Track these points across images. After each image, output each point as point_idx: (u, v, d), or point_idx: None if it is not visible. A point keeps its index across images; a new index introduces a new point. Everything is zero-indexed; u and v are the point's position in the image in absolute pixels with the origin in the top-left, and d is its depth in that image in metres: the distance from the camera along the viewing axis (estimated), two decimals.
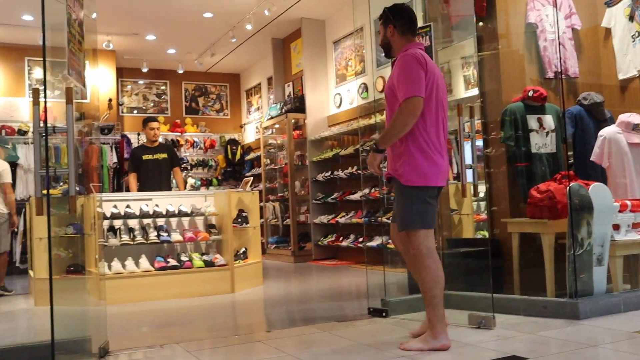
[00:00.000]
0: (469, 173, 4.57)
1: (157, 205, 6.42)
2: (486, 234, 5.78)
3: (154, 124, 7.44)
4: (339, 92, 9.64)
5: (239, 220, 6.77)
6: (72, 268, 6.09)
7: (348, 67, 9.46)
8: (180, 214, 6.44)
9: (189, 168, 12.20)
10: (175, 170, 7.47)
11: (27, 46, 10.23)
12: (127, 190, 8.00)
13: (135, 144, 11.66)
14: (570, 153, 5.33)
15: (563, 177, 4.66)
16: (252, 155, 12.22)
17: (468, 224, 6.16)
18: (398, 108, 3.41)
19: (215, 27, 9.99)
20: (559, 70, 5.18)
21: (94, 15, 4.67)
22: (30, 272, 6.84)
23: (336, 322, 4.32)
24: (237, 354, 3.61)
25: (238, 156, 12.53)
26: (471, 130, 4.31)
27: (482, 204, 6.24)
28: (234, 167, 12.57)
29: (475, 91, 6.46)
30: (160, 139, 7.80)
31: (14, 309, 6.13)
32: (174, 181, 7.84)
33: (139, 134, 11.87)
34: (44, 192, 2.89)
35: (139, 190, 7.13)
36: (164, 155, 7.36)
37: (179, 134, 12.29)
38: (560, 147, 5.20)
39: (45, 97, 3.11)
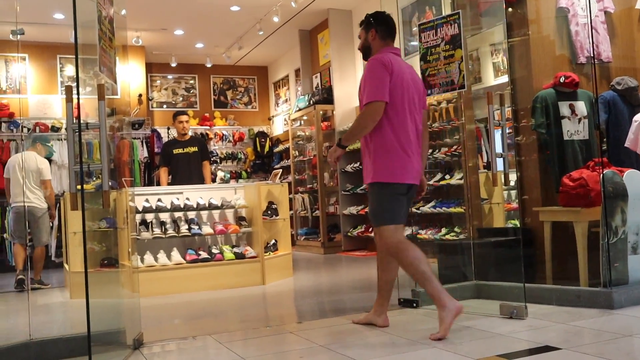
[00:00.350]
0: (499, 162, 4.52)
1: (187, 199, 6.49)
2: (517, 223, 5.72)
3: (183, 117, 7.51)
4: None
5: (269, 212, 6.80)
6: (105, 261, 6.21)
7: None
8: (211, 206, 6.49)
9: (218, 161, 12.29)
10: (204, 164, 7.49)
11: (58, 44, 10.38)
12: (158, 184, 8.09)
13: (165, 139, 11.80)
14: (603, 139, 5.23)
15: (596, 164, 4.58)
16: (280, 147, 12.26)
17: (499, 213, 6.10)
18: (361, 110, 3.68)
19: (243, 20, 10.02)
20: (592, 55, 5.07)
21: (124, 12, 4.71)
22: (66, 266, 6.98)
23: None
24: (268, 344, 3.64)
25: (267, 148, 12.59)
26: (501, 118, 4.26)
27: (513, 192, 6.18)
28: (262, 160, 12.63)
29: (504, 78, 6.38)
30: (191, 133, 7.85)
31: (50, 302, 6.26)
32: None
33: (168, 129, 12.00)
34: (78, 187, 2.94)
35: (170, 184, 7.21)
36: (194, 149, 7.39)
37: (208, 127, 12.38)
38: (593, 134, 5.11)
39: (78, 94, 3.16)
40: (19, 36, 9.00)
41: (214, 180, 9.80)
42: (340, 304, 5.13)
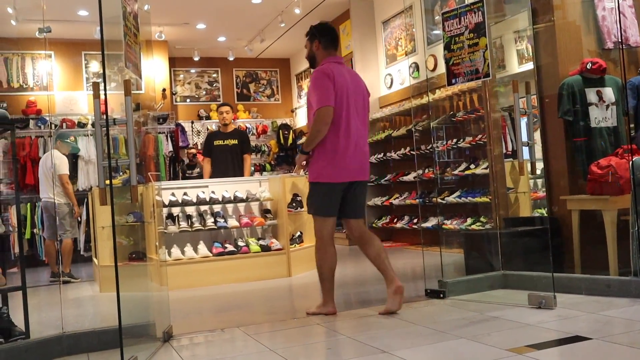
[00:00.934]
0: (525, 150, 4.47)
1: (213, 192, 6.53)
2: (544, 212, 5.66)
3: (223, 108, 7.51)
4: (390, 73, 9.55)
5: (294, 204, 6.82)
6: (133, 255, 6.30)
7: (398, 47, 9.36)
8: (236, 199, 6.53)
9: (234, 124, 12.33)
10: (244, 157, 7.42)
11: (83, 41, 10.48)
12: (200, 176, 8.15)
13: (189, 133, 11.91)
14: (632, 126, 5.15)
15: (625, 151, 4.51)
16: (304, 139, 12.26)
17: (525, 202, 6.05)
18: (313, 117, 4.02)
19: (264, 13, 10.03)
20: (619, 40, 4.99)
21: (147, 7, 4.74)
22: (95, 260, 7.08)
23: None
24: (296, 336, 3.66)
25: (290, 141, 12.61)
26: (527, 106, 4.21)
27: (539, 181, 6.12)
28: (286, 152, 12.66)
29: (528, 66, 6.30)
30: (235, 125, 7.82)
31: (80, 295, 6.36)
32: None
33: (192, 122, 12.10)
34: (107, 182, 2.97)
35: (211, 176, 7.24)
36: (234, 141, 7.36)
37: (232, 120, 12.42)
38: (622, 121, 5.03)
39: (105, 90, 3.20)
40: (45, 34, 9.14)
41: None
42: (365, 295, 5.14)
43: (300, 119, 12.81)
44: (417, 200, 8.53)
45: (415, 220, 8.69)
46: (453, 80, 4.35)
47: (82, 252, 9.65)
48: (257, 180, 7.00)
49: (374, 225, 9.47)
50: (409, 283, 5.58)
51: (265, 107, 12.96)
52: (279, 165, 12.59)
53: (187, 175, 10.61)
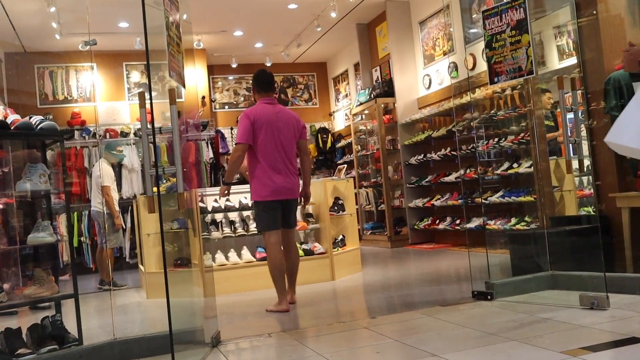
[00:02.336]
0: (571, 148, 4.38)
1: None
2: (590, 210, 5.54)
3: None
4: (428, 73, 9.48)
5: (335, 208, 6.82)
6: (179, 261, 6.37)
7: (436, 47, 9.28)
8: None
9: None
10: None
11: (124, 52, 10.69)
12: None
13: (229, 139, 12.02)
14: None
15: None
16: (342, 142, 12.26)
17: (570, 200, 5.93)
18: None
19: (300, 18, 10.07)
20: None
21: (185, 17, 4.79)
22: (141, 267, 7.20)
23: (440, 307, 4.29)
24: (342, 340, 3.65)
25: (329, 144, 12.62)
26: (572, 102, 4.13)
27: (584, 179, 5.98)
28: (325, 156, 12.67)
29: (569, 61, 6.18)
30: None
31: (128, 302, 6.47)
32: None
33: (232, 129, 12.19)
34: (154, 189, 3.02)
35: None
36: None
37: None
38: None
39: (150, 99, 3.25)
40: (89, 47, 9.36)
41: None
42: (410, 298, 5.09)
43: (339, 123, 12.81)
44: (460, 201, 8.44)
45: (457, 222, 8.60)
46: (495, 79, 4.29)
47: (127, 259, 9.83)
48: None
49: (415, 227, 9.41)
50: (454, 285, 5.54)
51: (304, 112, 12.99)
52: (318, 169, 12.60)
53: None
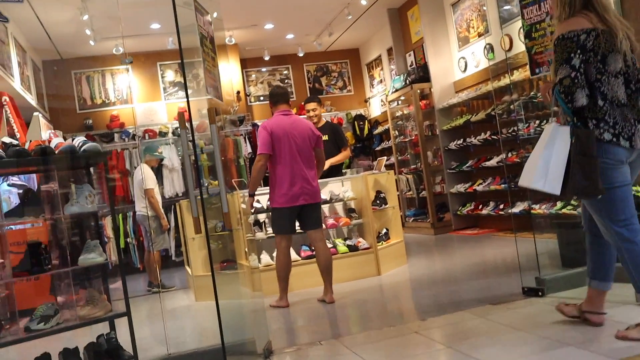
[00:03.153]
0: None
1: None
2: None
3: (309, 106, 6.96)
4: (463, 56, 9.30)
5: (377, 201, 6.78)
6: (225, 263, 6.44)
7: (470, 29, 9.09)
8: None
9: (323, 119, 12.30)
10: (341, 151, 7.00)
11: (157, 52, 10.76)
12: None
13: None
14: None
15: None
16: (380, 129, 12.17)
17: None
18: None
19: (330, 7, 9.96)
20: None
21: (215, 15, 4.77)
22: (187, 269, 7.28)
23: (490, 305, 4.23)
24: (395, 347, 3.62)
25: (366, 131, 12.53)
26: None
27: None
28: (363, 143, 12.58)
29: None
30: (324, 120, 7.32)
31: (177, 305, 6.57)
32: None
33: None
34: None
35: None
36: (325, 138, 6.79)
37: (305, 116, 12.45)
38: None
39: (187, 98, 3.26)
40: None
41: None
42: (458, 295, 5.01)
43: (375, 109, 12.70)
44: (502, 185, 8.31)
45: (501, 206, 8.47)
46: (537, 70, 4.17)
47: (173, 258, 9.99)
48: (339, 179, 6.94)
49: (458, 212, 9.30)
50: (502, 278, 5.46)
51: (339, 100, 12.92)
52: (356, 157, 12.53)
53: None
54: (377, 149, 12.36)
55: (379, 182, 7.00)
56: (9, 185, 7.52)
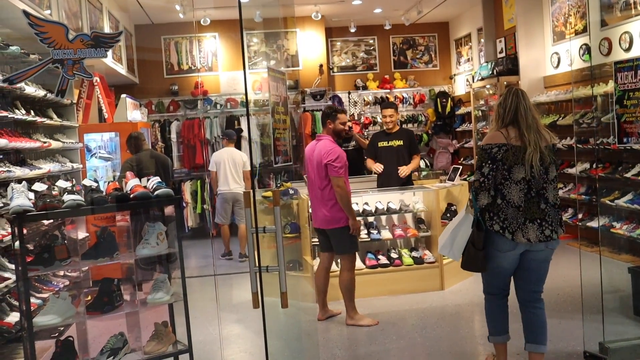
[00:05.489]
0: None
1: (366, 204, 6.59)
2: None
3: (386, 112, 6.95)
4: (557, 51, 8.83)
5: (448, 215, 6.70)
6: (290, 264, 6.62)
7: (567, 24, 8.58)
8: (389, 211, 6.55)
9: (399, 125, 12.19)
10: (413, 157, 6.91)
11: (244, 20, 10.75)
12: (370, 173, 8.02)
13: (346, 104, 11.97)
14: None
15: None
16: (462, 109, 11.85)
17: None
18: None
19: None
20: None
21: None
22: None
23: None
24: None
25: (448, 109, 12.23)
26: None
27: None
28: (444, 121, 12.31)
29: None
30: (399, 126, 7.30)
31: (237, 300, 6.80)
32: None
33: (349, 93, 12.12)
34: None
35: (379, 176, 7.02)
36: (400, 142, 6.86)
37: (389, 90, 12.28)
38: None
39: (245, 76, 3.31)
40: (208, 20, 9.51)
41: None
42: (515, 343, 4.89)
43: (459, 87, 12.35)
44: (583, 196, 8.00)
45: (580, 216, 8.18)
46: (625, 140, 3.94)
47: None
48: (411, 189, 6.88)
49: None
50: (566, 322, 5.24)
51: (423, 75, 12.62)
52: (436, 134, 12.32)
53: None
54: (458, 129, 12.08)
55: (452, 193, 6.90)
56: (97, 158, 7.93)
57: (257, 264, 3.36)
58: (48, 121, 6.04)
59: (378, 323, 5.44)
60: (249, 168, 8.08)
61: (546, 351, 4.00)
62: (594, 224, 7.64)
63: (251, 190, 3.23)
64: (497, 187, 3.79)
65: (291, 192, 6.52)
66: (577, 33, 8.34)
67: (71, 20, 6.71)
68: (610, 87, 7.19)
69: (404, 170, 6.68)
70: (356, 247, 5.56)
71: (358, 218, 6.63)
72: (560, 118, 8.36)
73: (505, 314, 4.11)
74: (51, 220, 4.54)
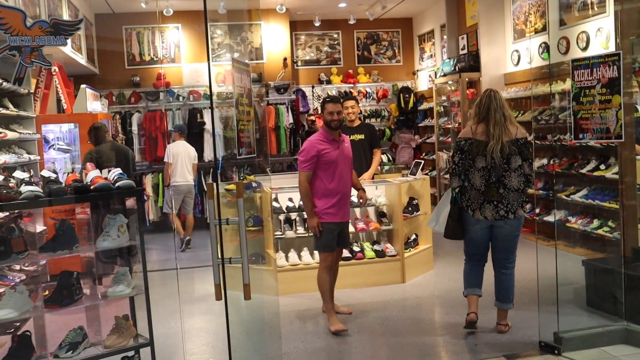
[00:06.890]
0: None
1: None
2: None
3: (347, 103, 6.78)
4: (517, 49, 9.00)
5: (410, 208, 6.78)
6: (253, 258, 6.60)
7: (527, 23, 8.74)
8: (352, 205, 6.56)
9: (361, 119, 12.26)
10: (374, 152, 6.94)
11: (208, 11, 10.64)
12: None
13: (310, 98, 11.97)
14: None
15: None
16: (425, 105, 11.98)
17: None
18: None
19: None
20: None
21: None
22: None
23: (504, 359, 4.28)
24: None
25: (411, 104, 12.34)
26: None
27: None
28: (406, 116, 12.42)
29: None
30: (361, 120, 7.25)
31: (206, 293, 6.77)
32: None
33: (313, 87, 12.12)
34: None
35: None
36: (361, 136, 6.86)
37: (352, 85, 12.33)
38: None
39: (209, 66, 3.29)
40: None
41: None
42: (473, 338, 4.85)
43: (422, 83, 12.47)
44: (540, 191, 8.18)
45: (537, 211, 8.35)
46: (580, 136, 4.05)
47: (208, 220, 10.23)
48: (373, 183, 6.92)
49: None
50: (522, 312, 5.33)
51: (386, 70, 12.71)
52: (398, 129, 12.42)
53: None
54: (420, 124, 12.21)
55: (414, 187, 6.97)
56: (55, 149, 7.76)
57: (219, 256, 3.37)
58: (4, 111, 5.88)
59: (347, 330, 5.08)
60: (196, 161, 8.99)
61: (510, 308, 4.90)
62: (550, 218, 7.82)
63: (214, 183, 3.22)
64: (465, 173, 4.65)
65: (254, 185, 6.50)
66: (536, 32, 8.51)
67: (28, 7, 6.56)
68: (568, 84, 7.37)
69: (365, 179, 6.69)
70: (330, 248, 5.29)
71: None
72: (520, 115, 8.52)
73: (478, 275, 4.95)
74: (7, 213, 4.44)
